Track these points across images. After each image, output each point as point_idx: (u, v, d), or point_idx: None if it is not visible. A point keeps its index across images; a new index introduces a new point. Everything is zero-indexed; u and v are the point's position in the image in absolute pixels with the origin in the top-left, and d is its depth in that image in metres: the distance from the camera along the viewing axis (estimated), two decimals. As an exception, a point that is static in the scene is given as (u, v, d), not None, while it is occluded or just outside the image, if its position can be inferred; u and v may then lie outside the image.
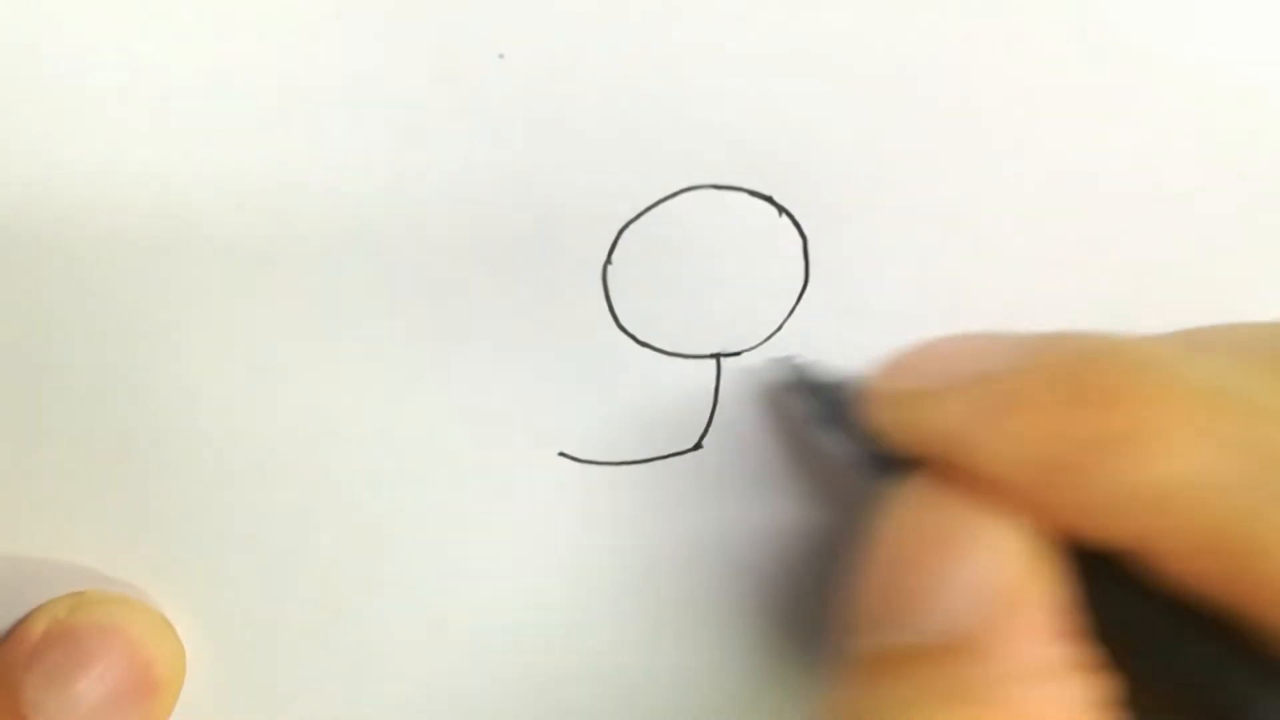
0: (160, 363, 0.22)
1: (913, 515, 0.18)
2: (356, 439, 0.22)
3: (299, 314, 0.22)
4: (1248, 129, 0.23)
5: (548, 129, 0.22)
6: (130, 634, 0.21)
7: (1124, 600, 0.16)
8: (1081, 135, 0.23)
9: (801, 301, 0.23)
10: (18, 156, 0.21)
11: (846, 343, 0.23)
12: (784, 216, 0.23)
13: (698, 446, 0.23)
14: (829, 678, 0.18)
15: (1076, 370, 0.16)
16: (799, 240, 0.23)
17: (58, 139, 0.21)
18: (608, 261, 0.22)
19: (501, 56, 0.22)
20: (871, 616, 0.17)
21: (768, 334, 0.23)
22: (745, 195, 0.22)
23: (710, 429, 0.23)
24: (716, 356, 0.23)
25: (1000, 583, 0.16)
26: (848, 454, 0.21)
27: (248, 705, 0.23)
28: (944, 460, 0.18)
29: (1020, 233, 0.23)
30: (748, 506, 0.24)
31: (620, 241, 0.22)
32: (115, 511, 0.22)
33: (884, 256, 0.23)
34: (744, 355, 0.23)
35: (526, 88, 0.22)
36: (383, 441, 0.22)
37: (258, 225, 0.22)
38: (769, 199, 0.22)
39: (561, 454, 0.23)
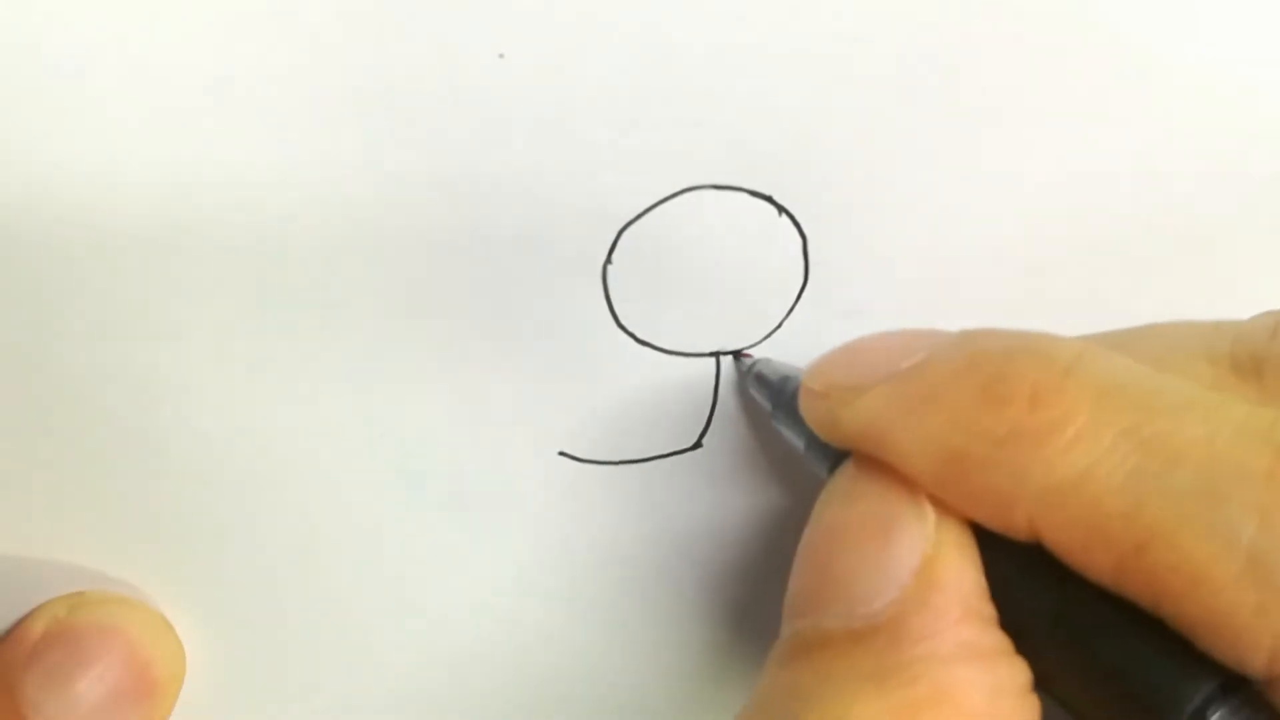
0: (160, 363, 0.22)
1: (839, 504, 0.19)
2: (356, 439, 0.22)
3: (299, 314, 0.22)
4: (1248, 129, 0.23)
5: (548, 129, 0.22)
6: (130, 634, 0.21)
7: (1045, 589, 0.17)
8: (1081, 135, 0.23)
9: (801, 301, 0.23)
10: (18, 156, 0.21)
11: (846, 342, 0.23)
12: (784, 216, 0.23)
13: (698, 445, 0.23)
14: (765, 662, 0.18)
15: (982, 368, 0.17)
16: (799, 240, 0.23)
17: (58, 139, 0.21)
18: (608, 261, 0.22)
19: (501, 56, 0.22)
20: (802, 602, 0.18)
21: (767, 334, 0.23)
22: (745, 195, 0.22)
23: (710, 427, 0.23)
24: (716, 355, 0.23)
25: (917, 567, 0.17)
26: (799, 446, 0.21)
27: (248, 705, 0.23)
28: (867, 453, 0.19)
29: (1019, 232, 0.23)
30: (748, 504, 0.24)
31: (620, 241, 0.22)
32: (115, 511, 0.22)
33: (884, 256, 0.23)
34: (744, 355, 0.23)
35: (526, 88, 0.22)
36: (383, 441, 0.22)
37: (258, 225, 0.22)
38: (769, 199, 0.22)
39: (562, 453, 0.23)
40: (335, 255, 0.22)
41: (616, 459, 0.23)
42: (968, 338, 0.18)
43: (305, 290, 0.22)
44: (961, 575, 0.17)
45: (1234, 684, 0.15)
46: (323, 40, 0.21)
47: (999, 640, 0.17)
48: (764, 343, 0.23)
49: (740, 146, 0.22)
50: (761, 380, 0.23)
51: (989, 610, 0.17)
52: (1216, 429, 0.16)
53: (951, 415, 0.17)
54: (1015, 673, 0.17)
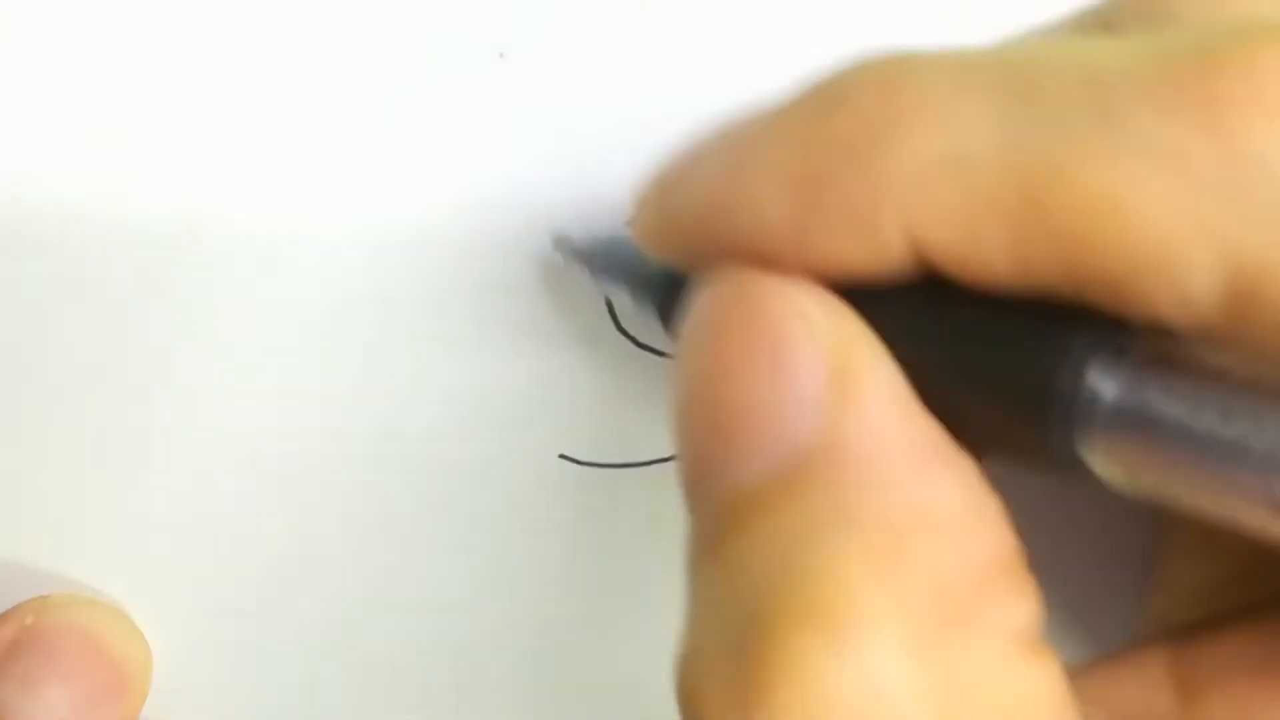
0: (158, 364, 0.22)
1: (703, 345, 0.15)
2: (356, 441, 0.22)
3: (298, 315, 0.22)
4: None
5: (548, 129, 0.22)
6: (99, 634, 0.21)
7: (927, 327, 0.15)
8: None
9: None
10: (18, 156, 0.21)
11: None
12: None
13: (699, 449, 0.23)
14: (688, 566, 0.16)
15: (819, 88, 0.15)
16: (800, 240, 0.23)
17: (58, 139, 0.21)
18: (608, 263, 0.22)
19: (501, 56, 0.22)
20: (704, 469, 0.15)
21: (769, 336, 0.23)
22: (745, 195, 0.22)
23: (712, 431, 0.23)
24: (718, 359, 0.23)
25: (827, 376, 0.14)
26: (637, 305, 0.20)
27: (217, 700, 0.23)
28: (714, 250, 0.15)
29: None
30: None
31: (620, 242, 0.22)
32: (79, 512, 0.22)
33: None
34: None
35: (526, 88, 0.22)
36: (382, 444, 0.22)
37: (258, 226, 0.22)
38: (769, 199, 0.22)
39: (562, 456, 0.23)
40: (334, 256, 0.22)
41: (617, 462, 0.23)
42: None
43: (304, 291, 0.22)
44: (876, 366, 0.14)
45: (1112, 333, 0.14)
46: (323, 40, 0.22)
47: (938, 430, 0.14)
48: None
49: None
50: (573, 248, 0.21)
51: (911, 395, 0.14)
52: (1091, 57, 0.13)
53: (794, 140, 0.14)
54: (967, 461, 0.14)
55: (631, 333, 0.22)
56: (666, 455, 0.23)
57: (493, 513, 0.22)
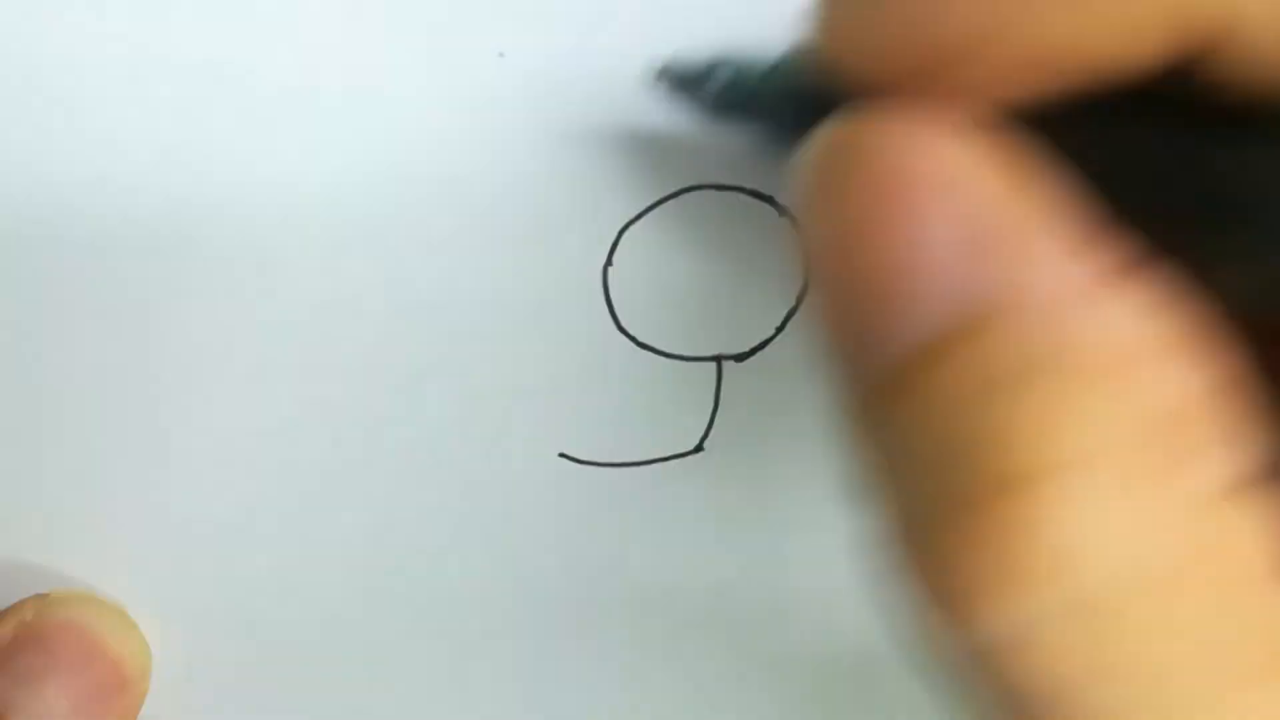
0: (158, 363, 0.22)
1: (846, 185, 0.13)
2: (356, 441, 0.22)
3: (297, 314, 0.22)
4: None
5: (548, 129, 0.22)
6: (99, 632, 0.21)
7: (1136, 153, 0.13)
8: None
9: (803, 304, 0.23)
10: (18, 156, 0.21)
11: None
12: (784, 217, 0.22)
13: (698, 449, 0.23)
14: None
15: None
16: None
17: (58, 139, 0.21)
18: (608, 263, 0.22)
19: (501, 56, 0.22)
20: (858, 331, 0.13)
21: (769, 336, 0.23)
22: (746, 195, 0.22)
23: (711, 431, 0.23)
24: (717, 358, 0.23)
25: (992, 213, 0.12)
26: (754, 137, 0.19)
27: (212, 700, 0.23)
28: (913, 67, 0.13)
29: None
30: (749, 509, 0.23)
31: (620, 242, 0.22)
32: (79, 511, 0.22)
33: (885, 256, 0.23)
34: (745, 357, 0.23)
35: (526, 88, 0.22)
36: (382, 443, 0.22)
37: (257, 225, 0.22)
38: (769, 199, 0.22)
39: (562, 455, 0.23)
40: (333, 255, 0.22)
41: (616, 461, 0.23)
42: None
43: (304, 291, 0.22)
44: (1047, 193, 0.12)
45: None
46: (322, 40, 0.22)
47: (1125, 252, 0.12)
48: (766, 345, 0.23)
49: (740, 146, 0.22)
50: (682, 79, 0.20)
51: (1097, 221, 0.13)
52: None
53: None
54: (1161, 286, 0.12)
55: (631, 332, 0.23)
56: (666, 455, 0.23)
57: (493, 513, 0.22)
